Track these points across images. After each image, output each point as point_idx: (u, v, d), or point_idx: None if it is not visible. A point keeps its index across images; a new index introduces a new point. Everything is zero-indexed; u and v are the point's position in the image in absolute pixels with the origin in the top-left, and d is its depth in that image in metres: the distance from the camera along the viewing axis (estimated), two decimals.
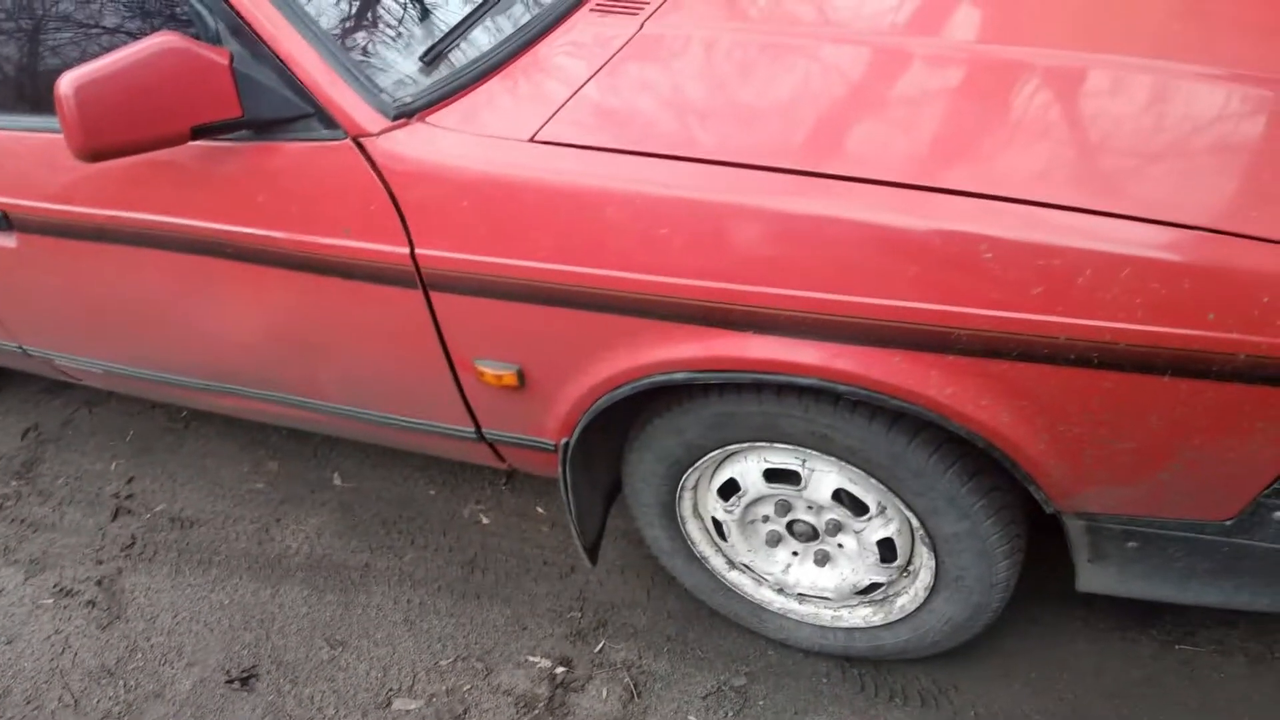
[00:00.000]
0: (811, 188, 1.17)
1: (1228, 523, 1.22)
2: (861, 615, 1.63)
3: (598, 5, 1.62)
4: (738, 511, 1.56)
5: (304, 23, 1.35)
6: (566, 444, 1.49)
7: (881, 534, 1.47)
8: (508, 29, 1.54)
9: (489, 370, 1.46)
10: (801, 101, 1.33)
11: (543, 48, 1.52)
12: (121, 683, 1.88)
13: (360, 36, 1.42)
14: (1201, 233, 1.05)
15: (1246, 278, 1.02)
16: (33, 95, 1.61)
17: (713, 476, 1.55)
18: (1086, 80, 1.32)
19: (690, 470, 1.52)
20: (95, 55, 1.34)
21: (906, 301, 1.13)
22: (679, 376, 1.30)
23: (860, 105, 1.31)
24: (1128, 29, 1.42)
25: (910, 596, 1.55)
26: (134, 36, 1.47)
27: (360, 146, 1.34)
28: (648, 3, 1.61)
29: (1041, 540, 1.53)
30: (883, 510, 1.45)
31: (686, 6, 1.59)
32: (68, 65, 1.51)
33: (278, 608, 1.98)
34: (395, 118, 1.34)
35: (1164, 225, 1.06)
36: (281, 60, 1.34)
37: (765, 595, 1.70)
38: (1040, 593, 1.74)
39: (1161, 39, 1.39)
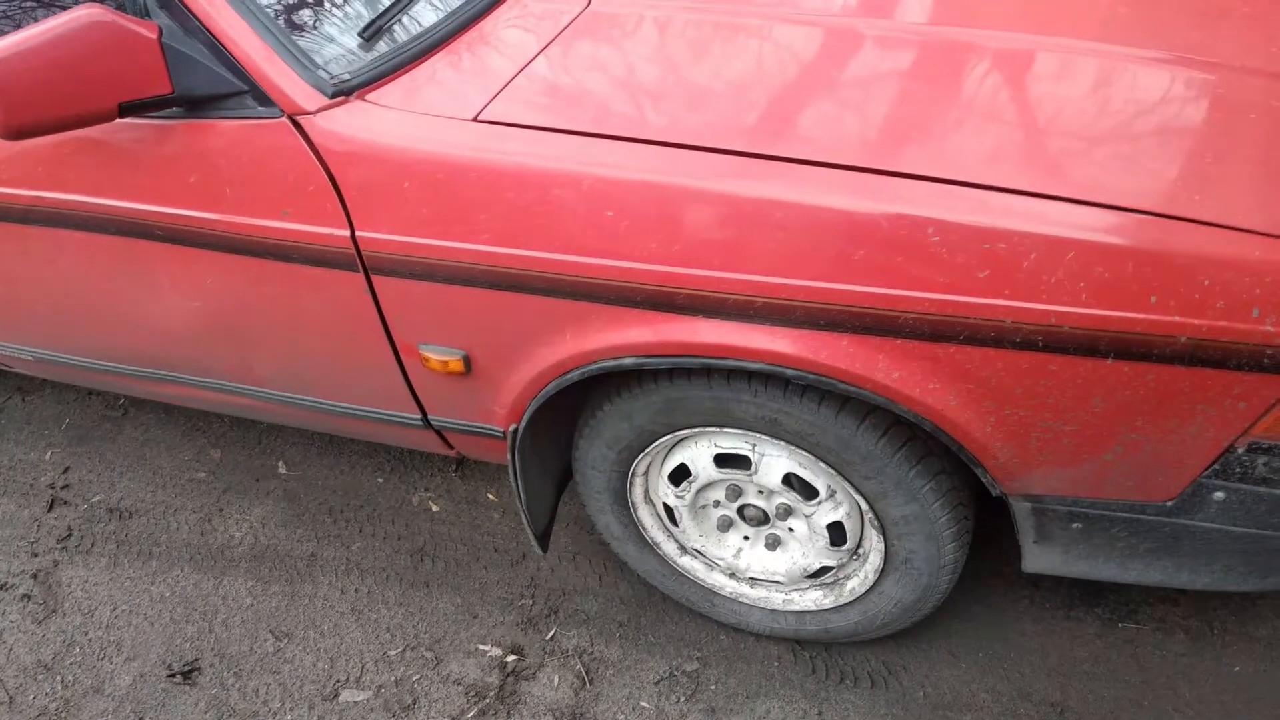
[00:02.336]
0: (760, 170, 1.16)
1: (1169, 503, 1.23)
2: (812, 598, 1.63)
3: None
4: (689, 497, 1.56)
5: None
6: (515, 430, 1.46)
7: (831, 518, 1.47)
8: (452, 3, 1.50)
9: (434, 356, 1.43)
10: (752, 83, 1.31)
11: (488, 23, 1.48)
12: (59, 678, 1.82)
13: (296, 10, 1.37)
14: (1145, 216, 1.06)
15: (1188, 261, 1.03)
16: None
17: (664, 462, 1.54)
18: (1034, 63, 1.32)
19: (641, 456, 1.51)
20: (15, 27, 1.28)
21: (854, 285, 1.13)
22: (628, 361, 1.29)
23: (811, 87, 1.30)
24: (1076, 12, 1.43)
25: (860, 579, 1.56)
26: (59, 7, 1.41)
27: (297, 125, 1.29)
28: None
29: (988, 522, 1.55)
30: (832, 494, 1.45)
31: None
32: None
33: (221, 599, 1.93)
34: (333, 95, 1.30)
35: (1108, 209, 1.07)
36: (213, 34, 1.29)
37: (717, 580, 1.69)
38: (987, 574, 1.76)
39: (1109, 22, 1.40)
